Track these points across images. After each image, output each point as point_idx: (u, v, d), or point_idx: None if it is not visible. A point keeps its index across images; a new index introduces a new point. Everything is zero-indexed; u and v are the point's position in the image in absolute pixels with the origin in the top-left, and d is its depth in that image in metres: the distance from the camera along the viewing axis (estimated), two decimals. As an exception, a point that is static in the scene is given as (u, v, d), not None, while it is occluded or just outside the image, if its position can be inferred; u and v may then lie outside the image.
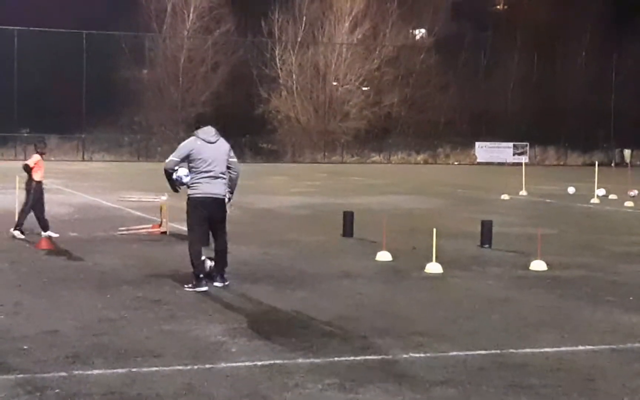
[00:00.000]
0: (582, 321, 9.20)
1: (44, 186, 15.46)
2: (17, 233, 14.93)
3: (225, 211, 10.78)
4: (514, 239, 16.12)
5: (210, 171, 10.48)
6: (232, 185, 10.86)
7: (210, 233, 10.84)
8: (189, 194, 10.62)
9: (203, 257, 10.68)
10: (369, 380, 6.82)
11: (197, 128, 10.90)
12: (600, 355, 7.81)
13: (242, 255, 13.37)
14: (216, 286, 10.54)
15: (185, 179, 10.65)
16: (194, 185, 10.52)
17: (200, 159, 10.47)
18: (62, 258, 12.82)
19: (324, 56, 61.42)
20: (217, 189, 10.54)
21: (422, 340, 8.14)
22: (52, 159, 47.44)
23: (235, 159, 10.93)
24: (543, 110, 64.12)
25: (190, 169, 10.61)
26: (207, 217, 10.58)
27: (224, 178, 10.66)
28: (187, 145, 10.66)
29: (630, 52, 65.86)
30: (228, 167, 10.74)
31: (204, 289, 10.40)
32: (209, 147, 10.54)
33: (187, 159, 10.58)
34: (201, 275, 10.49)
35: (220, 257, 10.72)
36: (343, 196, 26.47)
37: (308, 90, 61.55)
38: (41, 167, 15.14)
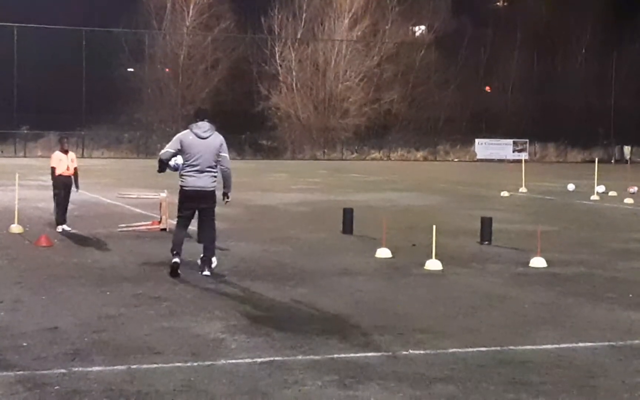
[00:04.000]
0: (582, 318, 9.20)
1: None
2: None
3: (213, 204, 11.14)
4: (514, 236, 16.12)
5: (197, 165, 10.92)
6: (225, 181, 11.23)
7: (198, 224, 11.32)
8: (179, 184, 11.17)
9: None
10: (368, 377, 6.82)
11: (195, 122, 11.21)
12: (600, 352, 7.81)
13: (241, 252, 13.37)
14: (205, 275, 10.96)
15: (180, 167, 11.10)
16: (183, 177, 11.04)
17: (189, 152, 10.94)
18: (61, 255, 12.81)
19: (323, 53, 61.40)
20: (202, 182, 10.95)
21: (422, 337, 8.13)
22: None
23: (225, 155, 11.17)
24: (543, 107, 64.15)
25: (183, 160, 11.06)
26: (193, 208, 11.09)
27: (212, 172, 11.02)
28: (180, 137, 11.16)
29: (630, 49, 65.93)
30: (219, 162, 11.07)
31: (175, 260, 10.91)
32: (199, 142, 10.93)
33: (180, 151, 11.03)
34: (175, 251, 11.01)
35: (207, 248, 11.14)
36: (343, 193, 26.46)
37: (308, 87, 61.53)
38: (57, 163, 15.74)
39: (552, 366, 7.28)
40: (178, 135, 11.29)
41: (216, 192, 11.20)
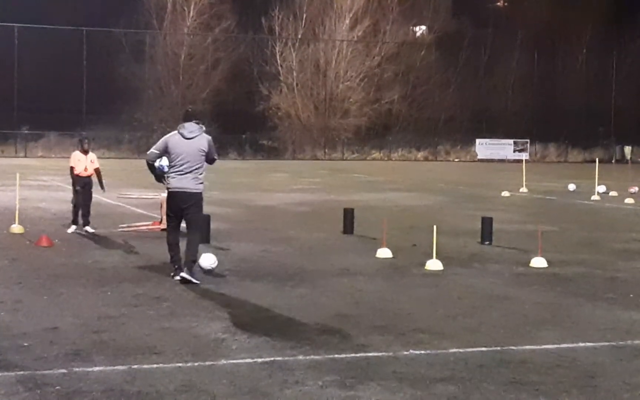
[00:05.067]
0: (582, 318, 9.20)
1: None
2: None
3: (196, 206, 10.87)
4: (515, 236, 16.12)
5: (181, 166, 10.79)
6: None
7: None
8: (166, 186, 11.09)
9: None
10: (369, 378, 6.82)
11: (183, 123, 11.14)
12: (601, 352, 7.81)
13: (242, 252, 13.37)
14: (182, 277, 10.53)
15: (167, 169, 11.03)
16: (168, 178, 10.96)
17: (174, 153, 10.85)
18: (62, 255, 12.82)
19: (324, 53, 61.36)
20: (185, 183, 10.80)
21: (423, 338, 8.14)
22: (53, 156, 47.44)
23: (214, 152, 11.00)
24: (543, 107, 64.11)
25: (169, 161, 10.98)
26: (178, 209, 10.92)
27: (197, 173, 10.81)
28: (166, 138, 11.12)
29: (631, 49, 65.89)
30: (207, 156, 10.94)
31: (179, 278, 10.70)
32: (184, 142, 10.83)
33: (166, 152, 10.93)
34: (176, 266, 10.87)
35: (188, 249, 10.73)
36: (343, 193, 26.46)
37: (308, 87, 61.51)
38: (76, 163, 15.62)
39: (552, 366, 7.28)
40: (165, 136, 11.23)
41: (202, 195, 11.04)
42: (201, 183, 10.92)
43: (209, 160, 11.01)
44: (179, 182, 10.79)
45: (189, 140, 10.81)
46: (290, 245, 14.44)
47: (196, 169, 10.80)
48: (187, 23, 59.51)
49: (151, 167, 11.16)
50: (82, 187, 15.40)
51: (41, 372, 6.78)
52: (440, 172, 43.68)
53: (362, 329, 8.43)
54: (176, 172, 10.80)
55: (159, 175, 11.25)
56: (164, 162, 10.96)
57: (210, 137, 11.08)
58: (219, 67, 59.94)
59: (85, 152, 15.61)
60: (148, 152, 11.26)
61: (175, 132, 11.04)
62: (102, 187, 15.80)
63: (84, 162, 15.48)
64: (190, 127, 10.92)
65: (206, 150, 10.87)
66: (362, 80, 61.65)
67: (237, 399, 6.28)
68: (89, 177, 15.50)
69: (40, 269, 11.54)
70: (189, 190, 10.79)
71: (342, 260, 12.76)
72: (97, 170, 15.65)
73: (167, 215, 11.23)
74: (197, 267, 10.91)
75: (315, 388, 6.54)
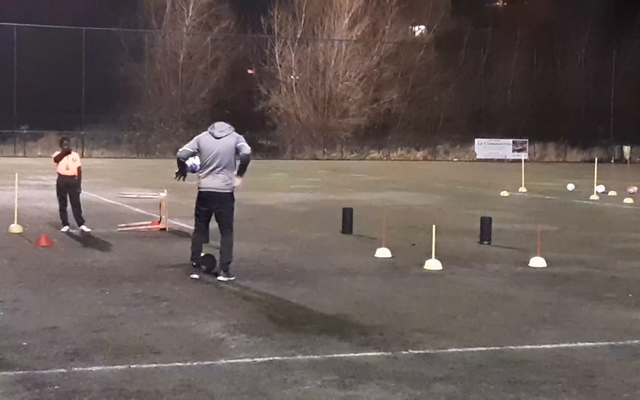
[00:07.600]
0: (582, 318, 9.21)
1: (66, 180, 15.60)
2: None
3: (229, 206, 11.03)
4: (514, 236, 16.12)
5: (212, 164, 10.85)
6: (240, 166, 10.98)
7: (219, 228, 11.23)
8: (197, 185, 11.12)
9: (203, 253, 11.08)
10: (368, 377, 6.82)
11: (213, 124, 11.29)
12: (600, 352, 7.82)
13: (241, 251, 13.37)
14: (220, 280, 10.82)
15: (198, 168, 11.16)
16: (200, 178, 11.03)
17: (205, 152, 10.91)
18: (61, 255, 12.82)
19: (323, 53, 61.36)
20: (216, 183, 10.88)
21: (422, 337, 8.14)
22: (52, 155, 47.32)
23: (243, 144, 10.92)
24: (543, 107, 64.11)
25: (200, 161, 11.08)
26: (208, 210, 11.02)
27: (226, 173, 10.89)
28: (198, 138, 11.16)
29: (630, 48, 65.90)
30: (237, 152, 10.89)
31: (195, 276, 10.88)
32: (214, 142, 10.89)
33: (198, 151, 11.03)
34: (194, 264, 11.04)
35: (223, 252, 11.04)
36: (342, 193, 26.45)
37: (307, 86, 61.50)
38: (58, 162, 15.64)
39: (551, 366, 7.29)
40: (197, 136, 11.28)
41: (234, 195, 11.14)
42: (230, 183, 10.91)
43: (243, 155, 10.86)
44: (210, 182, 10.86)
45: (219, 139, 10.87)
46: (290, 244, 14.44)
47: (226, 168, 10.84)
48: (186, 23, 59.52)
49: (181, 164, 11.25)
50: (66, 186, 15.42)
51: (40, 371, 6.78)
52: (439, 171, 43.68)
53: (361, 328, 8.43)
54: (207, 171, 10.85)
55: (184, 174, 11.34)
56: (196, 161, 11.12)
57: (241, 136, 11.08)
58: (218, 66, 59.94)
59: (67, 152, 15.63)
60: (180, 150, 11.30)
61: (206, 132, 11.09)
62: (78, 187, 15.72)
63: (65, 161, 15.51)
64: (221, 127, 11.02)
65: (236, 146, 10.83)
66: (361, 80, 61.65)
67: (236, 398, 6.28)
68: (72, 176, 15.47)
69: (40, 268, 11.53)
70: (219, 191, 10.87)
71: (341, 260, 12.77)
72: (78, 170, 15.64)
73: (196, 215, 11.18)
74: (217, 265, 11.07)
75: (314, 387, 6.54)
